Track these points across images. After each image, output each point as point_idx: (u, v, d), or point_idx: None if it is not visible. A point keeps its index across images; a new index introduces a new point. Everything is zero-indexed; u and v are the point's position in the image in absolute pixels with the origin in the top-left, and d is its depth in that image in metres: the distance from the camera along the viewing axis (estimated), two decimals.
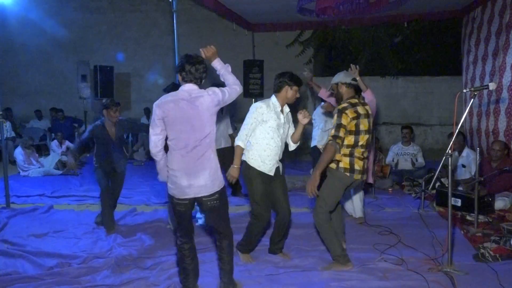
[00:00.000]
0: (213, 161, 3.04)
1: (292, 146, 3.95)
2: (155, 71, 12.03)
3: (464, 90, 3.75)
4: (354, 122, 3.55)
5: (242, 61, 10.41)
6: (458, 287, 3.27)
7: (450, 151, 3.45)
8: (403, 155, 7.04)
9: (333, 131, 3.53)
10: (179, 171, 3.00)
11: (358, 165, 3.63)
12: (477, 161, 4.69)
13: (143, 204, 6.08)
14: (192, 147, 2.97)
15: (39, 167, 8.17)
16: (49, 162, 8.43)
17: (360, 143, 3.62)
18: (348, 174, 3.62)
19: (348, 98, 3.68)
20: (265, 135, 3.71)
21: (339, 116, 3.53)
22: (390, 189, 6.52)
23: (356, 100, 3.68)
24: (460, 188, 5.48)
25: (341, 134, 3.52)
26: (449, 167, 3.52)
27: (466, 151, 6.13)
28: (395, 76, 11.47)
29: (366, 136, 3.64)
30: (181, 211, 3.10)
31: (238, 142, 3.73)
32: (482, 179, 4.87)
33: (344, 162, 3.62)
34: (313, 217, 3.73)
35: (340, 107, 3.60)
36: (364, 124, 3.61)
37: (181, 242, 3.15)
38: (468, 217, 4.89)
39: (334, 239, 3.68)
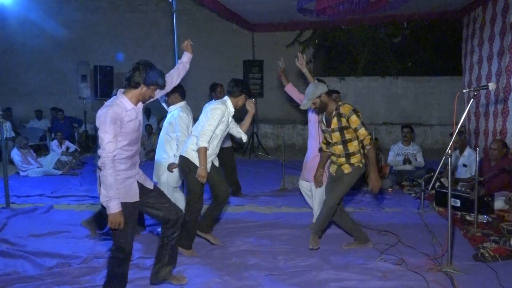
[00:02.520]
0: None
1: (245, 138, 4.15)
2: None
3: (464, 90, 3.75)
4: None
5: (242, 61, 10.40)
6: (458, 287, 3.27)
7: (450, 151, 3.45)
8: (402, 154, 7.04)
9: (365, 132, 3.75)
10: None
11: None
12: (476, 162, 4.69)
13: None
14: None
15: (37, 167, 8.17)
16: (48, 162, 8.41)
17: None
18: (361, 166, 3.93)
19: (332, 104, 3.91)
20: (214, 136, 3.84)
21: (358, 116, 3.77)
22: (390, 189, 6.52)
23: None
24: (458, 188, 5.48)
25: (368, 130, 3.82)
26: (449, 167, 3.52)
27: (468, 151, 6.11)
28: (395, 76, 11.48)
29: None
30: None
31: (204, 144, 3.73)
32: (482, 179, 4.86)
33: (357, 158, 3.92)
34: (324, 205, 3.97)
35: (351, 108, 3.80)
36: None
37: None
38: (467, 217, 4.89)
39: (326, 221, 4.02)
